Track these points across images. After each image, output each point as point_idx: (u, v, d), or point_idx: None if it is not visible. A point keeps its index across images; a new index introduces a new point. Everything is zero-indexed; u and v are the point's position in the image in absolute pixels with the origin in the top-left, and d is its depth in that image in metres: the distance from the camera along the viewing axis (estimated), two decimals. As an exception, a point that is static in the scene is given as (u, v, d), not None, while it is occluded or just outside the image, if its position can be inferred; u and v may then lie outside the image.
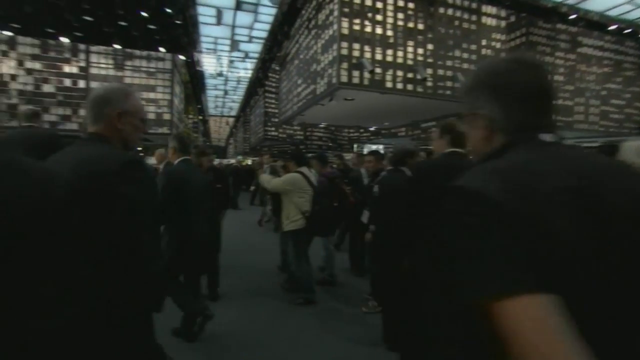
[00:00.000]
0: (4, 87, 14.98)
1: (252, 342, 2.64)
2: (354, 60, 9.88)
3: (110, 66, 16.37)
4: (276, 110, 25.31)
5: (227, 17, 12.97)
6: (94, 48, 16.05)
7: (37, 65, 15.37)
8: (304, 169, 3.53)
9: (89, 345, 0.84)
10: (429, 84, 11.09)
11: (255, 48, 15.89)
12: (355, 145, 22.26)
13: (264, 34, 14.10)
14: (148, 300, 1.05)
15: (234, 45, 15.19)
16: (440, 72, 11.23)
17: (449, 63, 11.32)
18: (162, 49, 15.59)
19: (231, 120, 41.42)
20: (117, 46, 15.50)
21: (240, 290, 3.70)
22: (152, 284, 1.04)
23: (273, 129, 25.06)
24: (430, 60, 11.07)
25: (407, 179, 2.37)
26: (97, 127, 1.10)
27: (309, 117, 15.62)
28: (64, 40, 14.95)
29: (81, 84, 16.05)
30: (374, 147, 18.99)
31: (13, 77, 15.14)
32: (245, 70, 19.42)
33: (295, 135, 28.17)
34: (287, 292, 3.61)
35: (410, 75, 10.82)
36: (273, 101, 23.01)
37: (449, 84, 11.30)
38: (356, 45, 9.88)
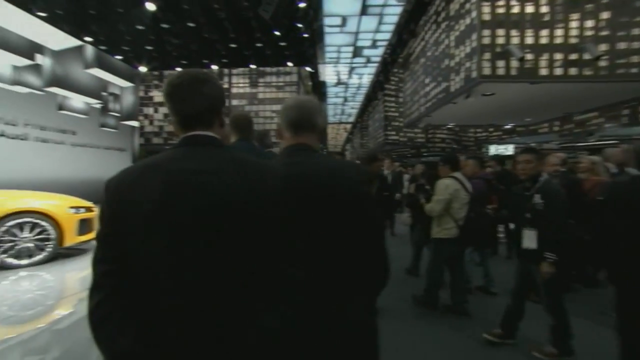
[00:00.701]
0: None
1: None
2: (499, 49, 8.54)
3: (247, 84, 18.48)
4: (396, 114, 24.74)
5: (351, 24, 13.04)
6: (234, 70, 18.38)
7: (195, 91, 18.42)
8: (458, 174, 3.20)
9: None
10: (603, 63, 8.79)
11: (378, 52, 15.62)
12: (488, 147, 19.81)
13: (388, 36, 13.69)
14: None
15: (357, 51, 15.23)
16: (621, 45, 8.77)
17: (636, 31, 8.74)
18: (289, 64, 16.72)
19: (348, 126, 42.39)
20: (253, 66, 17.30)
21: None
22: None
23: (394, 132, 24.38)
24: (604, 33, 8.78)
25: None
26: (306, 137, 1.10)
27: (436, 117, 14.49)
28: (214, 67, 17.52)
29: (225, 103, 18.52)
30: (501, 148, 16.39)
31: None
32: (365, 76, 19.42)
33: (416, 138, 26.87)
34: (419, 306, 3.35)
35: (573, 56, 8.80)
36: (393, 105, 22.42)
37: (635, 59, 8.72)
38: (500, 31, 8.53)
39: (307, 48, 14.48)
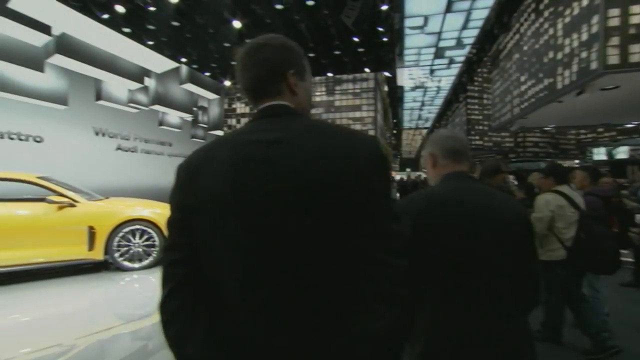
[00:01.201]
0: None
1: None
2: (633, 30, 7.03)
3: (323, 93, 18.66)
4: (480, 117, 22.82)
5: (433, 23, 12.29)
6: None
7: (274, 101, 19.25)
8: (565, 187, 2.71)
9: None
10: None
11: (462, 51, 14.50)
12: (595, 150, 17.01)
13: (475, 32, 12.59)
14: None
15: (439, 52, 14.33)
16: None
17: None
18: (367, 70, 16.44)
19: (424, 131, 40.57)
20: (330, 74, 17.41)
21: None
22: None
23: (477, 137, 22.49)
24: None
25: None
26: (464, 165, 1.17)
27: (532, 119, 12.85)
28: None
29: (303, 112, 18.97)
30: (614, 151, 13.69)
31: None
32: (446, 78, 18.23)
33: (503, 142, 24.41)
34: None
35: None
36: (476, 107, 20.67)
37: None
38: (636, 8, 6.97)
39: (386, 52, 14.04)
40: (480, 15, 11.30)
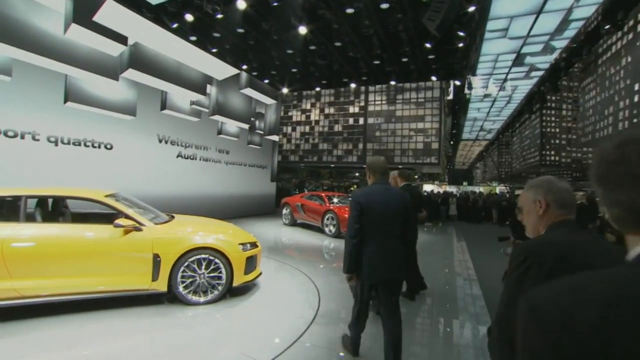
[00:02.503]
0: (311, 130, 18.99)
1: None
2: None
3: (384, 102, 17.71)
4: (557, 130, 20.52)
5: (518, 27, 10.90)
6: (371, 88, 17.86)
7: (331, 110, 18.68)
8: None
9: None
10: None
11: (547, 58, 12.83)
12: None
13: (572, 33, 10.97)
14: None
15: (519, 59, 12.79)
16: None
17: None
18: (433, 78, 15.23)
19: (484, 143, 37.78)
20: (393, 82, 16.41)
21: None
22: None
23: (552, 152, 20.10)
24: None
25: None
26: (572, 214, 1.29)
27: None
28: (352, 85, 17.34)
29: (360, 121, 18.13)
30: None
31: (317, 122, 19.02)
32: (522, 87, 16.44)
33: (585, 159, 21.62)
34: None
35: None
36: (554, 119, 18.44)
37: None
38: None
39: (458, 59, 12.81)
40: (583, 13, 9.74)
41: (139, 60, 8.15)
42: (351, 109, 18.31)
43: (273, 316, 4.15)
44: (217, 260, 4.39)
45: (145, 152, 10.19)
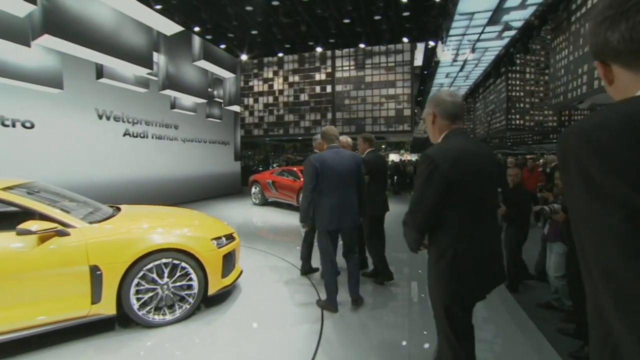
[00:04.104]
0: (275, 101, 17.52)
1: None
2: None
3: (352, 67, 16.58)
4: (521, 94, 20.70)
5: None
6: (338, 52, 16.61)
7: (296, 78, 17.25)
8: None
9: None
10: None
11: (523, 13, 12.31)
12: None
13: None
14: None
15: (494, 17, 12.15)
16: None
17: None
18: (405, 39, 14.29)
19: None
20: (362, 45, 15.27)
21: None
22: None
23: (517, 116, 20.34)
24: None
25: None
26: (461, 124, 1.76)
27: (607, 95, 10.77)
28: (319, 49, 15.95)
29: (328, 88, 16.95)
30: None
31: (281, 91, 17.53)
32: (492, 49, 16.01)
33: (545, 122, 22.20)
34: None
35: None
36: (519, 83, 18.50)
37: None
38: None
39: (433, 18, 11.91)
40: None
41: (57, 22, 6.13)
42: (317, 76, 17.04)
43: (266, 333, 3.18)
44: (184, 264, 3.29)
45: (81, 130, 8.44)
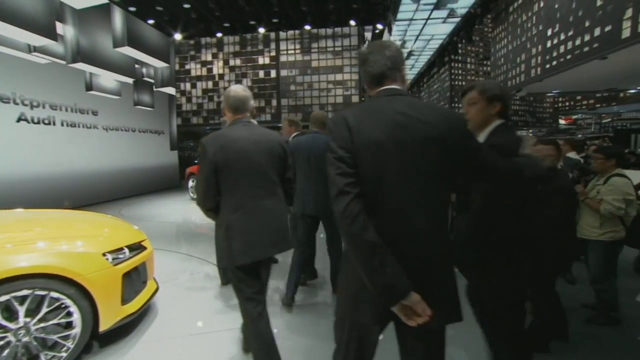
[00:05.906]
0: (215, 86, 16.08)
1: None
2: None
3: (297, 51, 15.69)
4: (463, 83, 21.36)
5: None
6: (282, 35, 15.62)
7: (238, 62, 15.95)
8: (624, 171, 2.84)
9: None
10: None
11: (468, 2, 12.34)
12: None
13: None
14: None
15: (442, 1, 12.02)
16: None
17: None
18: (352, 22, 13.72)
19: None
20: (308, 27, 14.43)
21: None
22: None
23: (460, 105, 20.99)
24: None
25: None
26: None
27: (546, 83, 11.21)
28: (261, 30, 14.78)
29: (272, 73, 15.94)
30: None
31: (221, 76, 16.12)
32: (436, 37, 16.08)
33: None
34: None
35: None
36: (460, 72, 19.00)
37: None
38: None
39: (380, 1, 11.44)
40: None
41: None
42: (261, 60, 15.92)
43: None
44: (56, 294, 2.31)
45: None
